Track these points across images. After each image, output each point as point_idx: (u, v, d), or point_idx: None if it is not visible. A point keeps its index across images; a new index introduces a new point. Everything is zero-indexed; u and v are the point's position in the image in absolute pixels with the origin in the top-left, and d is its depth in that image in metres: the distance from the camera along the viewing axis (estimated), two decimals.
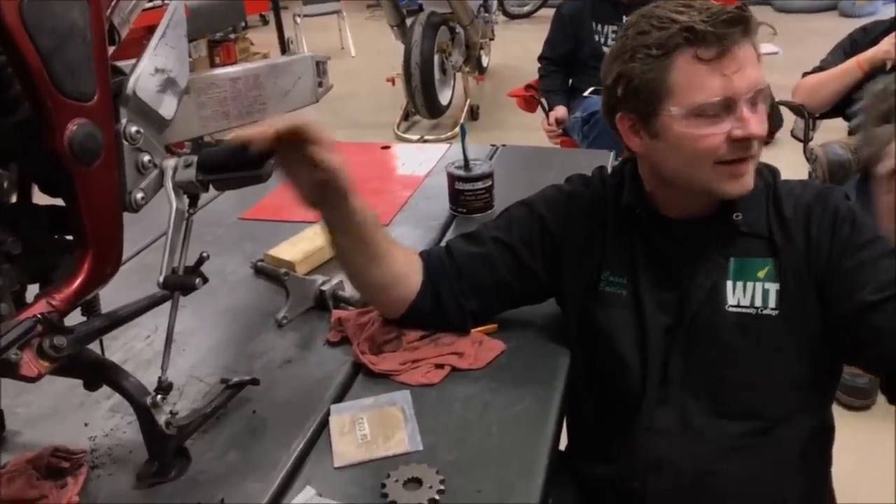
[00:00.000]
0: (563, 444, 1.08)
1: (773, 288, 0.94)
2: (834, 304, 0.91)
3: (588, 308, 1.02)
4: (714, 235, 0.97)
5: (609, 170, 1.11)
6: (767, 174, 0.99)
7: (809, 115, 2.34)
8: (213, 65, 4.54)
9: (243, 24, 5.73)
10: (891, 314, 0.85)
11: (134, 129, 0.77)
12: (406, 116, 4.57)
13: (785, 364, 0.95)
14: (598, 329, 1.01)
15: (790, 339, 0.94)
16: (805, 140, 2.36)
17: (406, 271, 1.02)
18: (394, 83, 4.45)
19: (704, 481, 0.96)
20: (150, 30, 0.83)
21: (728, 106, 0.87)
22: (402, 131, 4.47)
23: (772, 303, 0.94)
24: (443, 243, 1.11)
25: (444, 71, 4.41)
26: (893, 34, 2.10)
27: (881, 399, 2.00)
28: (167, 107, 0.81)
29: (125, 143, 0.76)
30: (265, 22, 7.21)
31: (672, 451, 0.97)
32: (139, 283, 1.08)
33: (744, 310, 0.94)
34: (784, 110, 2.51)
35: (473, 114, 4.61)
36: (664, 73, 0.88)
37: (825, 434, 1.04)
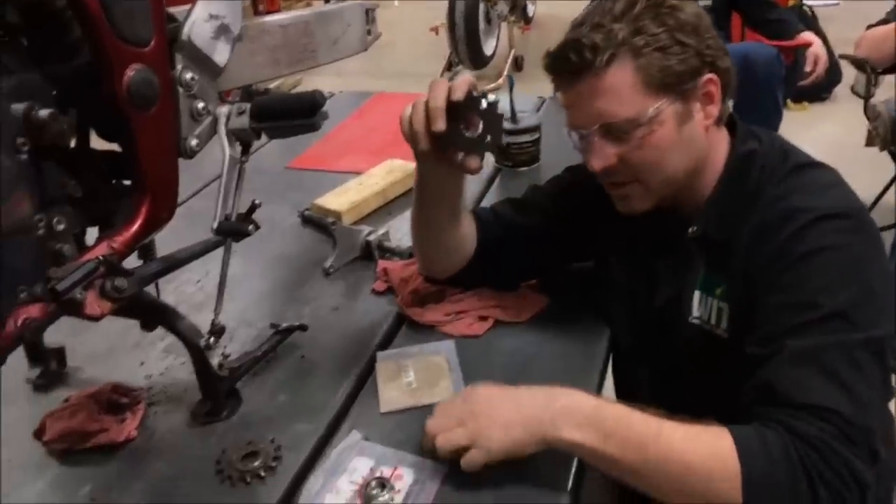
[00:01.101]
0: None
1: (724, 307, 0.88)
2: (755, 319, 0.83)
3: (603, 277, 1.03)
4: (685, 248, 0.91)
5: None
6: (752, 183, 0.87)
7: (872, 70, 2.24)
8: (256, 12, 4.51)
9: None
10: (757, 373, 0.77)
11: (189, 75, 0.78)
12: (449, 66, 4.50)
13: (736, 395, 0.81)
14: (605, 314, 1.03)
15: (739, 366, 0.81)
16: (866, 96, 2.27)
17: (469, 235, 1.01)
18: (437, 32, 4.38)
19: None
20: None
21: (583, 138, 0.87)
22: None
23: (724, 323, 0.88)
24: (484, 203, 1.10)
25: (488, 20, 4.32)
26: None
27: None
28: (221, 53, 0.81)
29: (180, 89, 0.77)
30: None
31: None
32: (189, 228, 1.10)
33: (704, 325, 0.90)
34: (844, 65, 2.41)
35: (518, 64, 4.52)
36: None
37: None
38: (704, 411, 0.78)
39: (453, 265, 1.03)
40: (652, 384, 1.01)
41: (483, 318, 1.00)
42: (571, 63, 0.83)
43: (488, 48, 4.37)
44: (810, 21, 3.50)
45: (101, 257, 0.68)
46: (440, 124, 0.81)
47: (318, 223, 1.29)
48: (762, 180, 0.86)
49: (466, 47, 4.11)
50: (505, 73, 4.36)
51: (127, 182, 0.79)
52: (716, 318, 0.89)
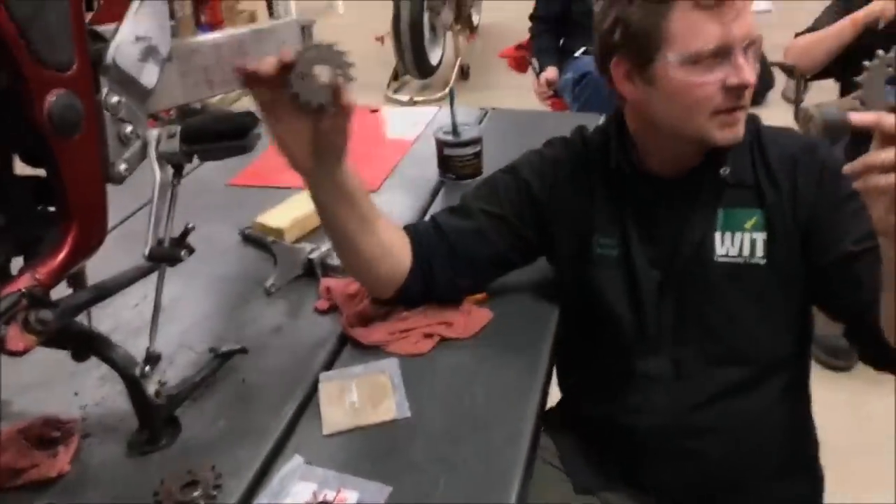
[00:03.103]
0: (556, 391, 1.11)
1: (759, 238, 0.96)
2: (815, 253, 0.95)
3: (582, 272, 1.03)
4: (702, 189, 0.98)
5: (590, 129, 1.11)
6: (750, 123, 0.98)
7: (801, 76, 2.32)
8: (198, 23, 4.43)
9: None
10: (867, 265, 0.87)
11: (115, 99, 0.76)
12: (396, 76, 4.50)
13: (772, 312, 0.98)
14: (592, 290, 1.03)
15: (777, 288, 0.97)
16: (796, 101, 2.35)
17: (395, 244, 1.00)
18: (383, 42, 4.38)
19: (694, 424, 1.00)
20: None
21: (723, 54, 0.88)
22: (391, 92, 4.42)
23: (759, 252, 0.96)
24: (428, 216, 1.10)
25: (433, 30, 4.34)
26: None
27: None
28: (149, 75, 0.80)
29: (106, 113, 0.75)
30: None
31: (664, 397, 1.00)
32: (126, 251, 1.07)
33: (731, 260, 0.96)
34: (775, 71, 2.49)
35: (464, 73, 4.56)
36: (663, 20, 0.88)
37: (804, 381, 1.08)
38: (736, 344, 0.97)
39: (385, 280, 1.01)
40: (660, 342, 1.00)
41: (428, 336, 1.00)
42: None
43: (434, 57, 4.39)
44: None
45: (23, 289, 0.66)
46: (269, 66, 0.78)
47: (259, 242, 1.27)
48: (749, 128, 0.96)
49: (412, 56, 4.12)
50: (451, 82, 4.38)
51: (53, 208, 0.77)
52: (749, 249, 0.96)
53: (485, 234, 1.03)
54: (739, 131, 0.93)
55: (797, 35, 2.32)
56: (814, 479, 1.10)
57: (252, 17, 5.18)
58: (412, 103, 4.27)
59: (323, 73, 0.80)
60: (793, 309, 1.00)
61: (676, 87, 0.90)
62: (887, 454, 1.60)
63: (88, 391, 0.97)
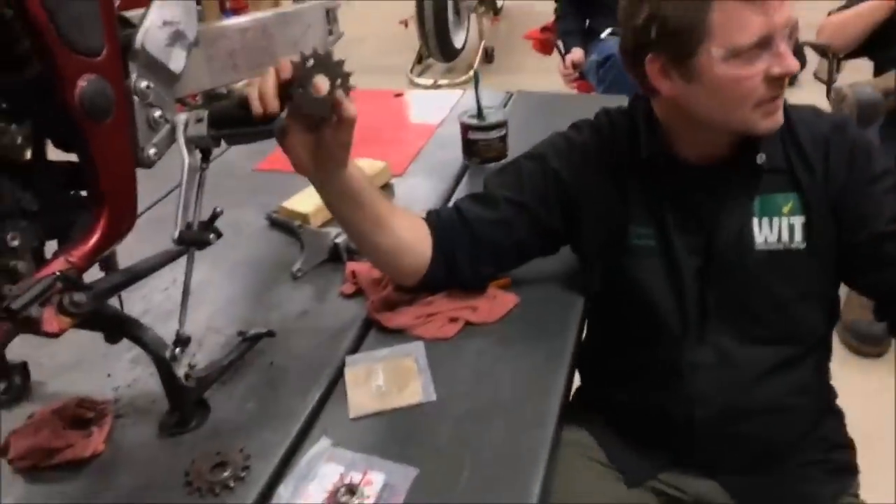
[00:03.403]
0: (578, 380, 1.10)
1: (798, 222, 0.96)
2: (849, 231, 0.95)
3: (617, 262, 1.01)
4: (737, 177, 0.97)
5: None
6: None
7: (834, 56, 2.27)
8: (223, 8, 4.45)
9: None
10: None
11: (144, 83, 0.77)
12: (419, 60, 4.48)
13: (811, 292, 0.99)
14: (631, 280, 1.01)
15: (816, 269, 0.98)
16: (829, 82, 2.30)
17: (414, 238, 1.00)
18: (406, 25, 4.36)
19: (743, 407, 1.00)
20: None
21: (765, 44, 0.85)
22: (415, 75, 4.40)
23: (798, 236, 0.96)
24: (452, 201, 1.10)
25: (457, 12, 4.31)
26: None
27: (894, 347, 2.01)
28: (177, 60, 0.80)
29: (136, 98, 0.76)
30: None
31: (712, 384, 1.00)
32: (154, 235, 1.08)
33: (772, 247, 0.96)
34: (807, 51, 2.44)
35: (488, 56, 4.52)
36: (704, 13, 0.84)
37: (829, 353, 1.10)
38: (778, 326, 0.98)
39: (408, 272, 1.01)
40: (703, 335, 1.00)
41: (453, 320, 1.00)
42: None
43: (458, 41, 4.36)
44: None
45: (58, 272, 0.67)
46: (272, 107, 0.80)
47: (286, 226, 1.28)
48: None
49: (436, 40, 4.09)
50: (475, 64, 4.35)
51: (84, 193, 0.78)
52: (788, 235, 0.96)
53: (508, 223, 1.02)
54: (780, 118, 0.91)
55: (830, 13, 2.27)
56: (846, 448, 1.11)
57: (276, 2, 5.19)
58: (436, 87, 4.26)
59: (323, 84, 0.80)
60: (828, 288, 1.02)
61: (721, 81, 0.87)
62: None
63: (121, 373, 0.99)
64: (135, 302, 1.10)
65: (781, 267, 0.97)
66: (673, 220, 0.99)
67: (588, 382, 1.17)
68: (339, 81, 0.81)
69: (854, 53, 2.26)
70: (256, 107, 0.80)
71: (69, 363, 1.01)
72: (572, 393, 1.17)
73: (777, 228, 0.96)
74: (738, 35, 0.84)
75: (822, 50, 2.30)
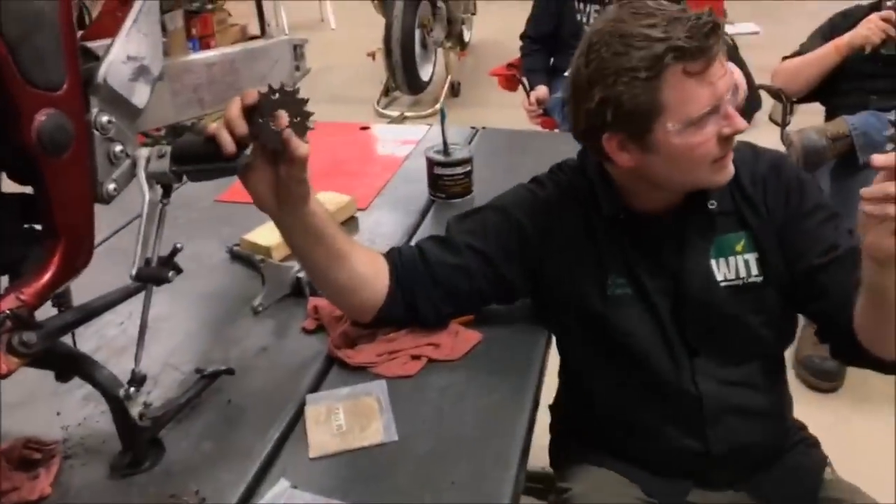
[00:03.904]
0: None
1: (751, 257, 1.02)
2: (789, 264, 1.02)
3: (600, 312, 1.04)
4: (693, 223, 1.02)
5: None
6: None
7: (787, 100, 2.35)
8: (189, 37, 4.44)
9: None
10: (834, 275, 0.98)
11: (105, 118, 0.75)
12: (386, 92, 4.52)
13: (774, 316, 1.05)
14: (616, 329, 1.04)
15: (776, 296, 1.04)
16: (783, 124, 2.38)
17: (371, 274, 1.00)
18: (374, 58, 4.39)
19: (748, 420, 1.06)
20: (123, 1, 0.80)
21: (714, 110, 0.91)
22: (382, 107, 4.43)
23: (754, 270, 1.03)
24: (416, 238, 1.10)
25: (425, 46, 4.36)
26: (869, 18, 2.11)
27: (847, 382, 2.05)
28: (140, 95, 0.79)
29: (96, 133, 0.75)
30: None
31: (718, 408, 1.05)
32: (112, 266, 1.06)
33: (733, 283, 1.03)
34: (763, 93, 2.52)
35: (454, 90, 4.58)
36: (656, 93, 0.89)
37: (783, 363, 1.18)
38: (756, 348, 1.05)
39: (363, 308, 1.02)
40: (695, 369, 1.04)
41: (416, 358, 0.99)
42: (721, 28, 0.88)
43: (425, 74, 4.40)
44: (731, 51, 3.65)
45: (7, 311, 0.65)
46: (240, 130, 0.81)
47: (247, 259, 1.26)
48: None
49: (403, 73, 4.13)
50: (441, 98, 4.40)
51: (38, 226, 0.76)
52: (745, 271, 1.02)
53: (469, 269, 1.03)
54: (732, 170, 0.97)
55: (784, 59, 2.35)
56: (804, 429, 1.20)
57: (243, 31, 5.20)
58: (402, 119, 4.28)
59: (283, 117, 0.81)
60: (786, 310, 1.07)
61: (678, 150, 0.92)
62: (875, 474, 1.60)
63: (71, 411, 0.96)
64: (88, 337, 1.07)
65: (746, 299, 1.03)
66: (642, 266, 1.03)
67: (584, 424, 1.18)
68: (297, 119, 0.81)
69: (806, 98, 2.35)
70: (226, 139, 0.80)
71: (17, 401, 0.97)
72: (566, 436, 1.21)
73: (734, 266, 1.03)
74: (689, 108, 0.89)
75: (776, 93, 2.38)
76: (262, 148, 0.83)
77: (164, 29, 0.88)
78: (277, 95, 0.80)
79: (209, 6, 4.68)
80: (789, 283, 1.03)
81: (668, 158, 0.93)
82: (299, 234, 0.93)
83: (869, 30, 2.10)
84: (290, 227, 0.93)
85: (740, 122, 0.91)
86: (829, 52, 2.19)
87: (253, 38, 5.11)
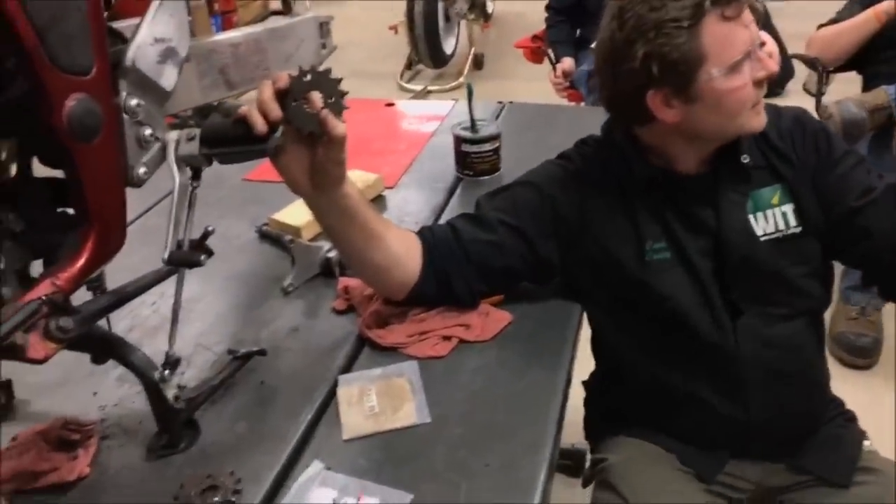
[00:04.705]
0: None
1: (788, 209, 1.04)
2: (826, 210, 1.04)
3: (640, 280, 1.03)
4: (727, 179, 1.03)
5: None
6: None
7: (823, 69, 2.28)
8: (211, 12, 4.42)
9: None
10: (872, 215, 1.01)
11: (134, 102, 0.75)
12: (409, 66, 4.47)
13: (816, 267, 1.07)
14: (658, 295, 1.03)
15: (816, 246, 1.05)
16: (818, 94, 2.31)
17: (404, 252, 1.00)
18: (396, 31, 4.34)
19: (789, 384, 1.06)
20: None
21: (749, 53, 0.93)
22: (405, 81, 4.39)
23: (793, 221, 1.04)
24: (444, 215, 1.10)
25: (448, 18, 4.30)
26: None
27: (882, 359, 2.01)
28: (168, 77, 0.79)
29: (125, 116, 0.74)
30: None
31: (759, 372, 1.05)
32: (143, 247, 1.06)
33: (773, 236, 1.03)
34: (796, 62, 2.45)
35: (478, 63, 4.51)
36: (697, 41, 0.91)
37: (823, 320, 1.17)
38: (798, 303, 1.06)
39: (397, 286, 1.01)
40: (737, 330, 1.04)
41: (447, 339, 0.99)
42: None
43: (448, 47, 4.35)
44: (763, 18, 3.56)
45: (44, 297, 0.66)
46: (274, 114, 0.80)
47: (276, 239, 1.26)
48: None
49: (426, 46, 4.08)
50: (465, 71, 4.35)
51: (72, 211, 0.76)
52: (783, 223, 1.04)
53: (503, 246, 1.02)
54: (765, 115, 1.00)
55: (819, 27, 2.28)
56: (850, 420, 1.17)
57: (265, 5, 5.17)
58: (426, 93, 4.25)
59: (317, 99, 0.80)
60: (826, 259, 1.09)
61: (722, 96, 0.94)
62: None
63: (107, 391, 0.97)
64: (122, 318, 1.08)
65: (786, 251, 1.04)
66: (681, 230, 1.03)
67: (621, 399, 1.17)
68: (332, 99, 0.80)
69: (843, 67, 2.27)
70: (258, 121, 0.79)
71: (54, 381, 0.99)
72: (602, 411, 1.21)
73: (772, 219, 1.04)
74: (730, 52, 0.92)
75: (811, 62, 2.31)
76: (296, 130, 0.82)
77: (189, 13, 0.87)
78: (309, 77, 0.79)
79: None
80: (828, 230, 1.04)
81: (713, 106, 0.94)
82: (334, 216, 0.93)
83: None
84: (325, 209, 0.92)
85: (771, 63, 0.94)
86: (869, 19, 2.11)
87: (275, 13, 5.08)
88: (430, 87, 4.28)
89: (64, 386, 0.98)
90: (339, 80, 0.80)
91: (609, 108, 1.04)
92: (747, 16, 0.92)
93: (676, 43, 0.90)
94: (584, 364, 1.21)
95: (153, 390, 0.82)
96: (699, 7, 0.89)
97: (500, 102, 1.79)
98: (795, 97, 3.14)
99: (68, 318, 0.68)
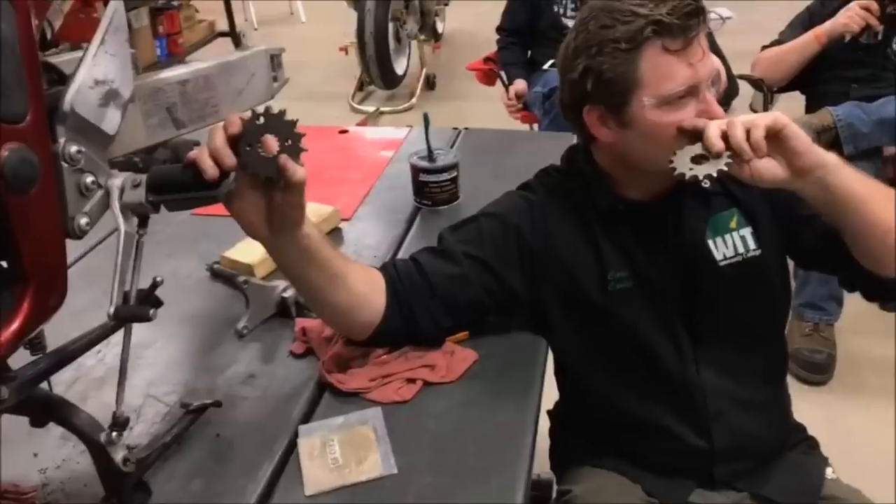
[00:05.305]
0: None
1: (747, 232, 1.04)
2: (783, 224, 1.05)
3: (602, 310, 1.03)
4: (687, 205, 1.04)
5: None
6: None
7: (768, 89, 2.35)
8: (156, 34, 4.31)
9: None
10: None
11: (74, 148, 0.70)
12: (361, 87, 4.45)
13: (775, 292, 1.09)
14: (620, 325, 1.04)
15: (774, 268, 1.07)
16: None
17: (368, 291, 0.96)
18: (347, 52, 4.32)
19: (751, 411, 1.07)
20: (86, 1, 0.75)
21: (692, 92, 0.93)
22: (357, 102, 4.36)
23: (752, 244, 1.04)
24: (405, 247, 1.07)
25: (398, 40, 4.29)
26: (849, 6, 2.10)
27: (837, 375, 2.05)
28: (110, 121, 0.74)
29: (65, 164, 0.69)
30: None
31: (722, 400, 1.05)
32: (86, 288, 1.01)
33: (732, 260, 1.04)
34: (742, 83, 2.51)
35: (430, 83, 4.51)
36: (634, 65, 0.92)
37: (784, 344, 1.20)
38: (759, 329, 1.07)
39: (361, 326, 0.97)
40: (698, 357, 1.05)
41: (411, 381, 0.95)
42: (704, 13, 0.91)
43: (400, 67, 4.34)
44: (708, 38, 3.64)
45: None
46: (228, 161, 0.75)
47: (228, 278, 1.21)
48: None
49: (378, 67, 4.06)
50: (417, 91, 4.35)
51: (4, 264, 0.71)
52: (742, 246, 1.04)
53: (468, 278, 1.00)
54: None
55: (763, 48, 2.34)
56: (812, 448, 1.18)
57: (211, 27, 5.08)
58: (378, 114, 4.22)
59: (273, 143, 0.76)
60: (784, 280, 1.10)
61: (652, 127, 0.94)
62: (870, 468, 1.60)
63: (48, 452, 0.90)
64: (64, 369, 1.01)
65: (746, 274, 1.04)
66: (642, 257, 1.03)
67: (586, 429, 1.16)
68: (288, 142, 0.76)
69: (787, 87, 2.34)
70: (209, 167, 0.74)
71: None
72: (567, 441, 1.21)
73: (731, 243, 1.04)
74: (666, 84, 0.92)
75: (756, 83, 2.37)
76: (251, 175, 0.78)
77: (129, 27, 0.82)
78: (263, 120, 0.75)
79: (175, 2, 4.55)
80: (790, 242, 1.05)
81: (643, 135, 0.95)
82: (294, 258, 0.88)
83: (849, 18, 2.09)
84: (284, 251, 0.88)
85: (717, 109, 0.93)
86: (810, 41, 2.18)
87: (222, 34, 4.99)
88: (382, 109, 4.26)
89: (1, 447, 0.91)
90: (294, 122, 0.77)
91: (563, 117, 1.06)
92: (695, 52, 0.91)
93: (613, 63, 0.92)
94: (549, 394, 1.19)
95: (100, 454, 0.77)
96: (639, 33, 0.90)
97: (456, 129, 1.77)
98: (740, 113, 3.24)
99: (3, 387, 0.63)
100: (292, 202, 0.81)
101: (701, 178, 0.88)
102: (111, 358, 1.05)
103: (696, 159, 0.89)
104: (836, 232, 0.98)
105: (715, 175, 0.87)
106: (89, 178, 0.72)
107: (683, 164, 0.89)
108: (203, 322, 1.15)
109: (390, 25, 4.09)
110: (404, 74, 4.42)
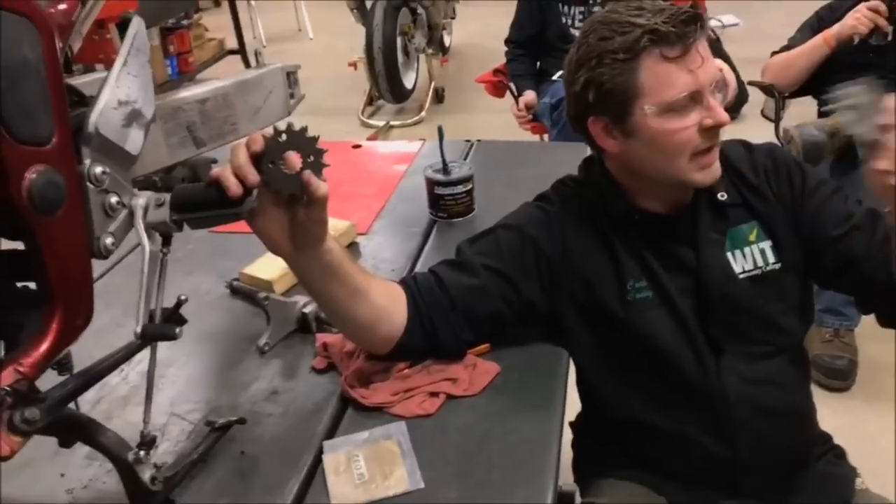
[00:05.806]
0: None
1: (766, 245, 1.04)
2: (805, 243, 1.04)
3: (622, 320, 1.03)
4: (705, 217, 1.03)
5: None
6: None
7: (779, 95, 2.34)
8: (166, 53, 4.36)
9: (195, 7, 5.52)
10: (856, 241, 1.01)
11: (99, 169, 0.71)
12: (370, 101, 4.47)
13: (793, 302, 1.07)
14: (640, 335, 1.03)
15: (795, 281, 1.06)
16: (776, 120, 2.36)
17: (389, 304, 0.97)
18: (356, 67, 4.34)
19: (775, 420, 1.05)
20: (100, 24, 0.76)
21: (695, 99, 0.93)
22: (366, 117, 4.38)
23: (771, 258, 1.04)
24: (422, 260, 1.06)
25: (407, 54, 4.31)
26: (857, 8, 2.09)
27: (859, 380, 2.03)
28: (134, 141, 0.75)
29: (90, 185, 0.70)
30: (217, 3, 6.97)
31: (745, 409, 1.03)
32: (106, 308, 1.02)
33: (751, 273, 1.03)
34: (752, 90, 2.50)
35: (439, 96, 4.53)
36: (633, 75, 0.93)
37: (805, 353, 1.17)
38: (778, 340, 1.05)
39: (382, 340, 0.98)
40: (720, 368, 1.03)
41: (434, 395, 0.95)
42: (701, 20, 0.92)
43: (408, 81, 4.36)
44: (714, 45, 3.65)
45: (6, 387, 0.60)
46: (251, 178, 0.76)
47: (249, 295, 1.22)
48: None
49: (387, 82, 4.08)
50: (427, 105, 4.36)
51: (33, 285, 0.71)
52: (762, 259, 1.04)
53: (487, 290, 1.00)
54: (716, 170, 0.99)
55: (773, 53, 2.34)
56: (839, 457, 1.16)
57: (221, 45, 5.13)
58: (389, 128, 4.24)
59: (295, 160, 0.77)
60: (805, 294, 1.09)
61: (656, 134, 0.95)
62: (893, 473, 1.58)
63: (75, 471, 0.91)
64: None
65: (766, 288, 1.04)
66: (660, 267, 1.03)
67: (609, 440, 1.15)
68: (311, 158, 0.77)
69: (798, 92, 2.33)
70: (233, 185, 0.75)
71: (16, 463, 0.90)
72: (590, 453, 1.19)
73: (751, 256, 1.04)
74: (666, 91, 0.93)
75: (767, 89, 2.36)
76: (274, 193, 0.78)
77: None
78: (285, 137, 0.76)
79: (185, 21, 4.60)
80: (812, 262, 1.04)
81: (647, 143, 0.96)
82: (316, 274, 0.89)
83: (857, 20, 2.08)
84: (307, 268, 0.88)
85: (722, 114, 0.94)
86: (819, 45, 2.17)
87: (231, 52, 5.04)
88: (392, 122, 4.28)
89: (27, 467, 0.92)
90: (316, 139, 0.78)
91: (572, 129, 1.06)
92: (694, 59, 0.92)
93: (612, 74, 0.93)
94: (571, 405, 1.19)
95: (127, 473, 0.77)
96: (636, 43, 0.91)
97: (468, 141, 1.78)
98: (752, 121, 3.22)
99: (34, 409, 0.63)
100: (315, 218, 0.81)
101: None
102: (134, 376, 1.06)
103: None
104: (858, 257, 0.99)
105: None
106: (114, 199, 0.73)
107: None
108: (224, 339, 1.15)
109: (398, 40, 4.12)
110: (413, 88, 4.44)
